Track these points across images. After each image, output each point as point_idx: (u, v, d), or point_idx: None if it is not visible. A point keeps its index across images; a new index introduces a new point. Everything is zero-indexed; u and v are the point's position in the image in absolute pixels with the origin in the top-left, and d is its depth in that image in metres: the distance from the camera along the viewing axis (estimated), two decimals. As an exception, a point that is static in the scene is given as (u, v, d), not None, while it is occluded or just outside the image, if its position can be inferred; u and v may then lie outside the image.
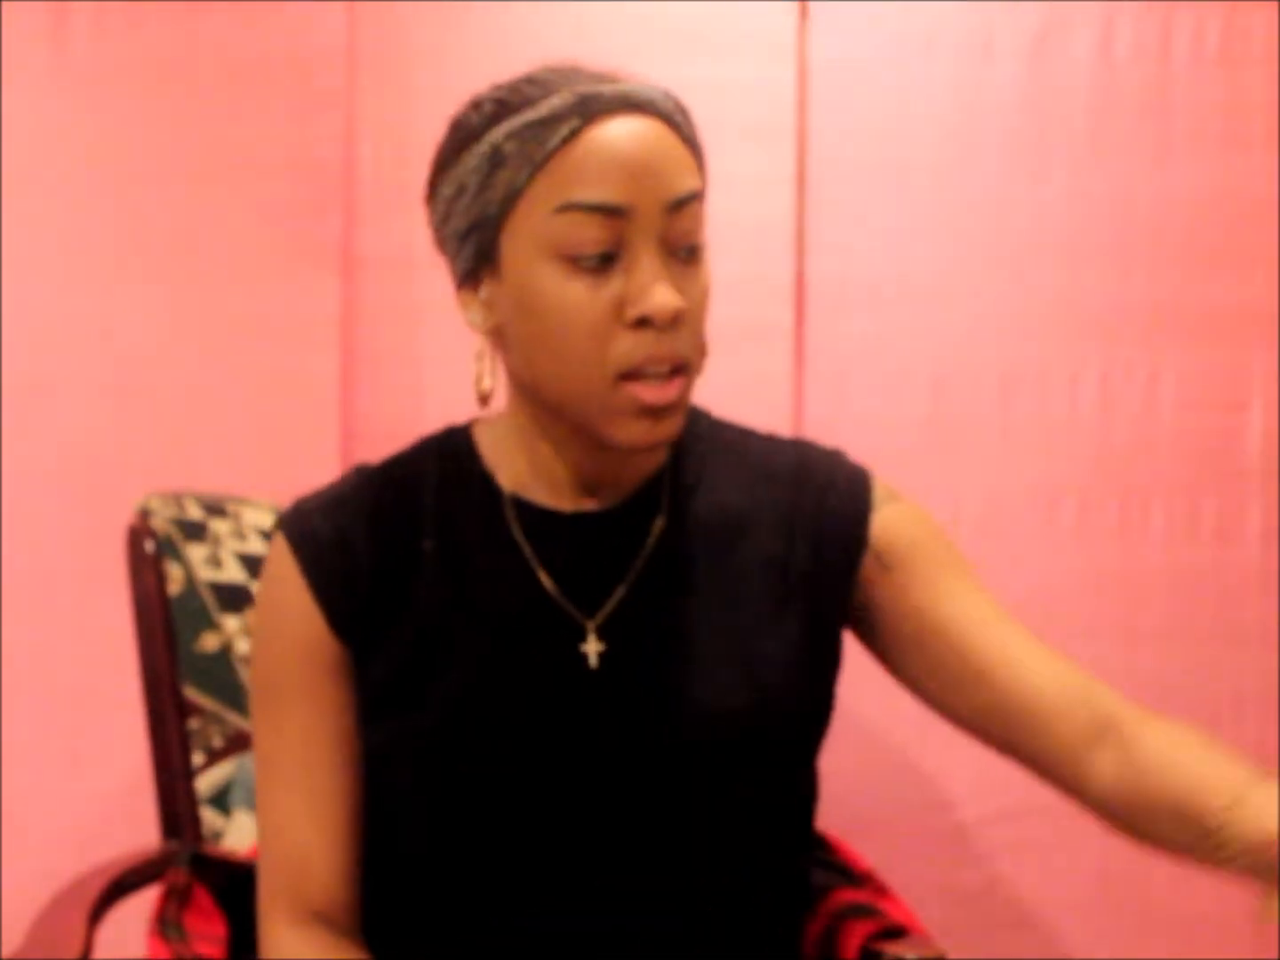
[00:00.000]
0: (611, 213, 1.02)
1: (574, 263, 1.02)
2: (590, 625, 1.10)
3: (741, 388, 1.90)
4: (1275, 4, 1.90)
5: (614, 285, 1.03)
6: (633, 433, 1.04)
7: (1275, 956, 1.85)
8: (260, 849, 1.15)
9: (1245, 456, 1.90)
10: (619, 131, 1.03)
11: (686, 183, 1.06)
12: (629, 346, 1.02)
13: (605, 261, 1.02)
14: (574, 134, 1.03)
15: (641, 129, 1.04)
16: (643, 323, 1.02)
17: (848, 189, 1.93)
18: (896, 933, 1.21)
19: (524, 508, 1.13)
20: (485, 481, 1.14)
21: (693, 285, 1.06)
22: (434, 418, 1.27)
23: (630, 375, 1.03)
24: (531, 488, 1.14)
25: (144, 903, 1.34)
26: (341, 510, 1.13)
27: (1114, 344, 1.92)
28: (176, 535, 1.52)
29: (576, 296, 1.02)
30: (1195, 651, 1.90)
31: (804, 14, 1.93)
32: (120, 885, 1.36)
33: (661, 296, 1.02)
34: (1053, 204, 1.92)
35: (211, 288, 1.95)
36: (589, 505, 1.13)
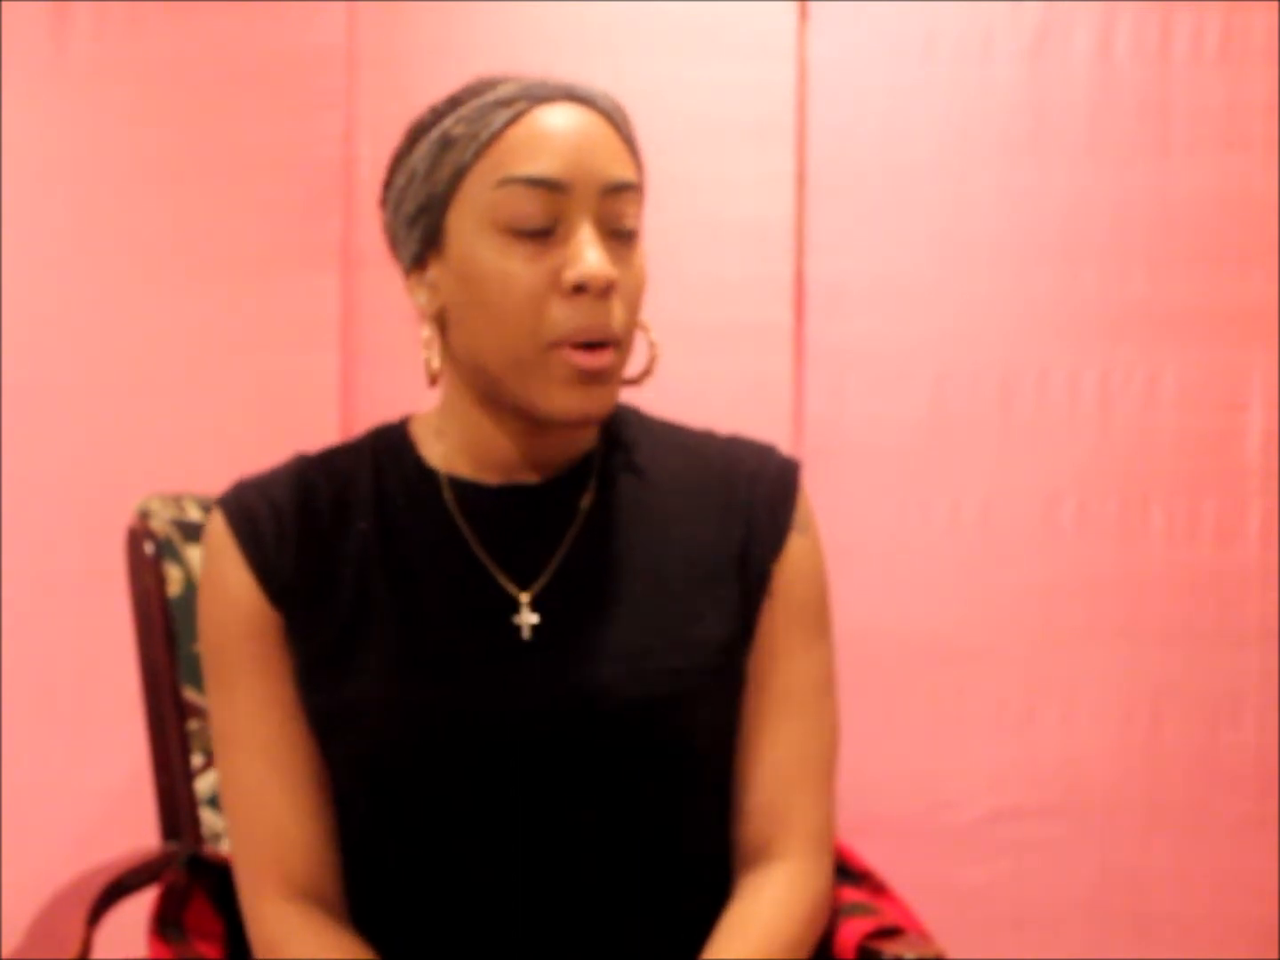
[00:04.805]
0: (551, 187, 1.06)
1: (514, 234, 1.06)
2: (524, 598, 1.13)
3: (741, 388, 1.91)
4: (1275, 4, 1.90)
5: (552, 256, 1.06)
6: (565, 401, 1.07)
7: (1275, 957, 1.86)
8: (231, 824, 1.15)
9: (1245, 456, 1.90)
10: (561, 115, 1.08)
11: (623, 172, 1.09)
12: (563, 314, 1.06)
13: (543, 234, 1.06)
14: (518, 115, 1.08)
15: (582, 116, 1.09)
16: (578, 290, 1.05)
17: (848, 189, 1.93)
18: (894, 931, 1.21)
19: (457, 484, 1.16)
20: (419, 464, 1.18)
21: (627, 268, 1.09)
22: (433, 418, 1.27)
23: (563, 343, 1.06)
24: (461, 466, 1.17)
25: (144, 903, 1.34)
26: (277, 487, 1.16)
27: (1114, 344, 1.92)
28: (176, 536, 1.52)
29: (516, 266, 1.06)
30: (1195, 651, 1.90)
31: (804, 14, 1.93)
32: (120, 885, 1.36)
33: (596, 263, 1.05)
34: (1052, 204, 1.92)
35: (211, 287, 1.95)
36: (518, 480, 1.16)
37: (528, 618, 1.13)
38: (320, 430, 1.91)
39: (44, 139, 1.97)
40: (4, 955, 1.26)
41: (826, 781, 1.17)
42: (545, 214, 1.06)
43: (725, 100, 1.92)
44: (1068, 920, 1.90)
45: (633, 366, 1.19)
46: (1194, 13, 1.91)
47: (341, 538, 1.15)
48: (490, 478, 1.16)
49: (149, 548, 1.51)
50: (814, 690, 1.18)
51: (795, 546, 1.18)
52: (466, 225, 1.09)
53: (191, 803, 1.48)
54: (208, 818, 1.49)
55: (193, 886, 1.28)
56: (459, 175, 1.09)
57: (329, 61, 1.95)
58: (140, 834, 1.57)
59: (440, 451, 1.18)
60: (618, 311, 1.07)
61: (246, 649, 1.13)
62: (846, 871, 1.32)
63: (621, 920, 1.13)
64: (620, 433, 1.21)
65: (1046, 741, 1.90)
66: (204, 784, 1.49)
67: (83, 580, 1.92)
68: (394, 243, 1.15)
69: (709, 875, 1.18)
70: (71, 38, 1.96)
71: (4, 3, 1.95)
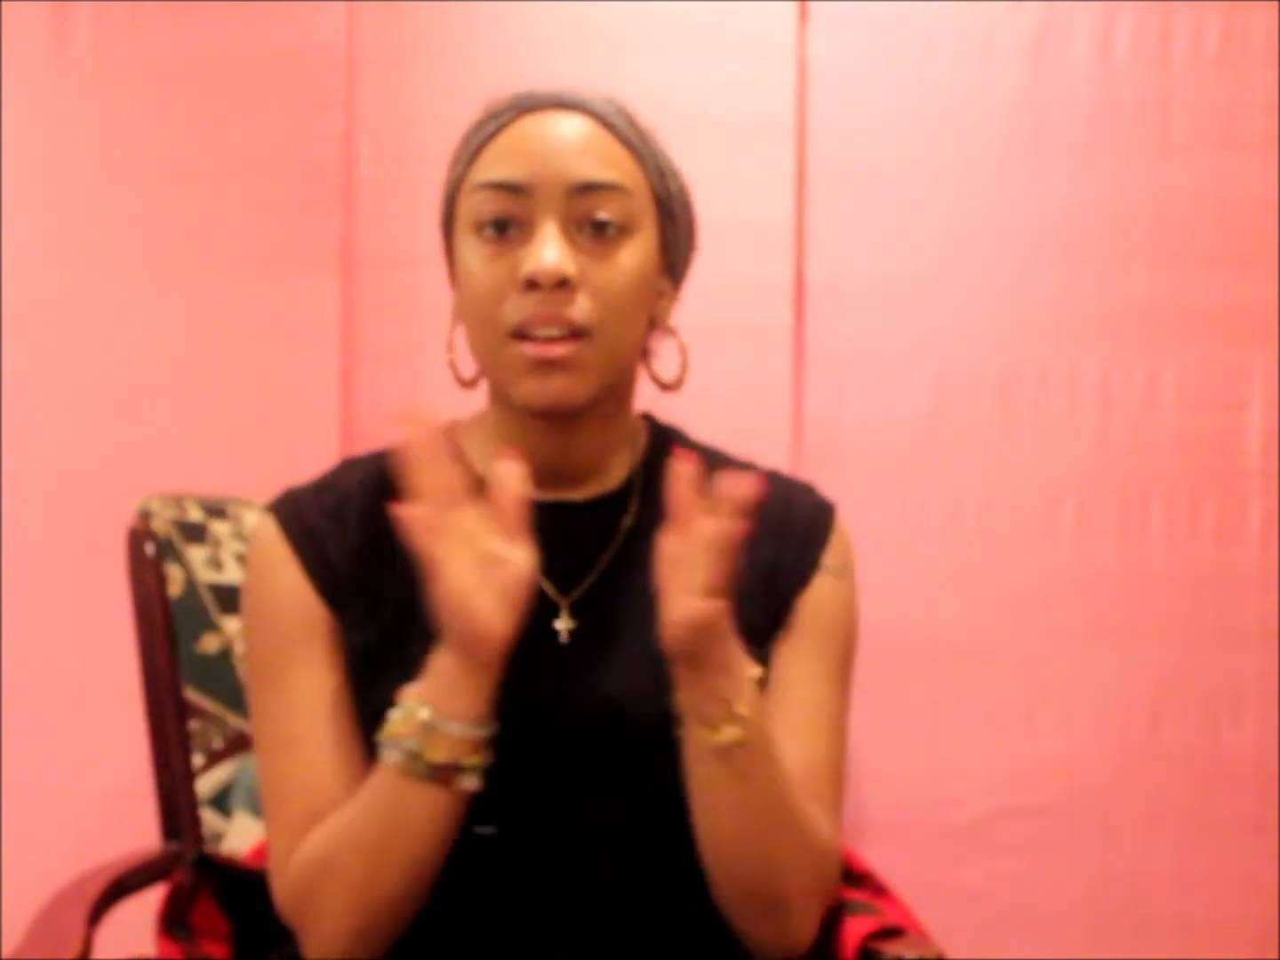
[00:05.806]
0: (512, 189, 1.12)
1: (481, 235, 1.13)
2: (564, 603, 1.17)
3: (741, 388, 1.91)
4: (1275, 4, 1.90)
5: (515, 254, 1.12)
6: (525, 389, 1.12)
7: (1275, 957, 1.86)
8: (273, 814, 1.15)
9: (1245, 456, 1.90)
10: (539, 122, 1.13)
11: (597, 172, 1.13)
12: (517, 306, 1.11)
13: (504, 230, 1.12)
14: (502, 127, 1.14)
15: (562, 121, 1.14)
16: (531, 285, 1.10)
17: (848, 189, 1.93)
18: (895, 932, 1.21)
19: None
20: (466, 470, 1.18)
21: (605, 263, 1.13)
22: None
23: (520, 334, 1.11)
24: None
25: (144, 903, 1.34)
26: (328, 492, 1.20)
27: (1114, 344, 1.91)
28: (177, 537, 1.52)
29: (481, 263, 1.13)
30: (1195, 651, 1.89)
31: (804, 14, 1.93)
32: (120, 885, 1.36)
33: (548, 259, 1.09)
34: (1052, 204, 1.92)
35: (211, 288, 1.95)
36: (563, 496, 1.20)
37: (566, 622, 1.16)
38: (320, 430, 1.91)
39: (44, 139, 1.97)
40: (4, 955, 1.26)
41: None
42: (507, 215, 1.11)
43: (725, 100, 1.92)
44: (1068, 920, 1.89)
45: (666, 374, 1.22)
46: (1194, 13, 1.91)
47: (390, 538, 1.15)
48: (531, 489, 1.17)
49: (150, 548, 1.51)
50: (832, 714, 1.22)
51: (828, 588, 1.22)
52: (459, 232, 1.15)
53: (192, 803, 1.48)
54: (208, 818, 1.49)
55: (200, 886, 1.29)
56: (456, 187, 1.16)
57: (329, 61, 1.95)
58: (140, 834, 1.57)
59: (482, 459, 1.20)
60: (582, 304, 1.11)
61: (303, 647, 1.15)
62: (846, 872, 1.32)
63: (622, 918, 1.15)
64: (662, 455, 1.22)
65: (1046, 741, 1.90)
66: (204, 784, 1.49)
67: (83, 580, 1.92)
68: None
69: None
70: (71, 38, 1.96)
71: (4, 3, 1.95)
